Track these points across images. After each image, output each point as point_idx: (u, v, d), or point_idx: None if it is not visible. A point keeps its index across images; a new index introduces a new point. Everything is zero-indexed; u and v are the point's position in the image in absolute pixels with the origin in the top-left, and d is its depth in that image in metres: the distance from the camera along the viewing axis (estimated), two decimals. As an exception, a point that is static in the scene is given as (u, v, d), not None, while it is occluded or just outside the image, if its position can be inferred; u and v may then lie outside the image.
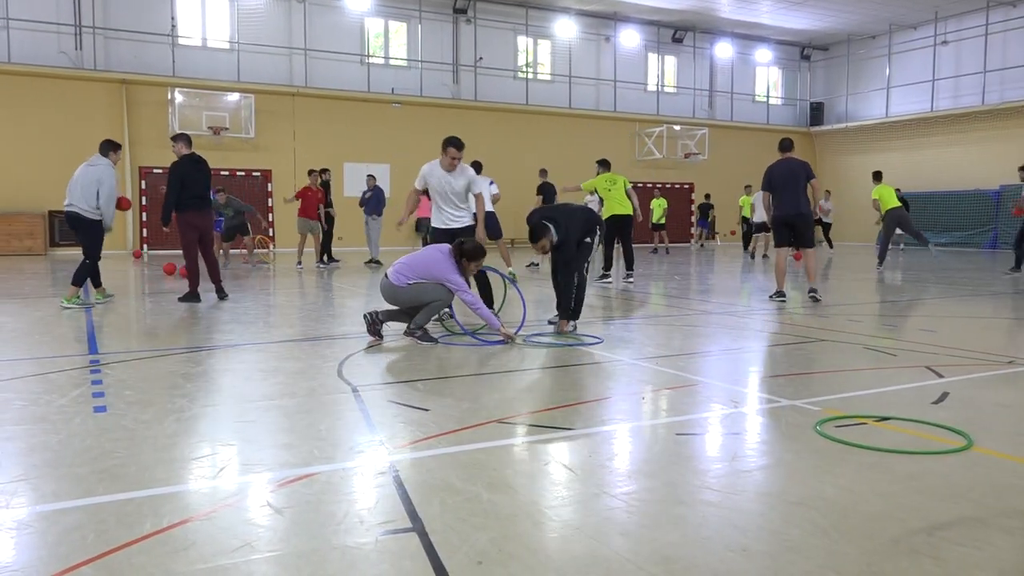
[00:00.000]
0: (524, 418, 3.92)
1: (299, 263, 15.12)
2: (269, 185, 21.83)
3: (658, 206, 22.04)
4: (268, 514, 2.64)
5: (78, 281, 8.38)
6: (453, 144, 6.97)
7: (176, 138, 8.88)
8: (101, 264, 8.71)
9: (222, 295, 9.03)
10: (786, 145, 9.24)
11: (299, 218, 14.88)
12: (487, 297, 7.23)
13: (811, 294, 8.99)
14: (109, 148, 8.63)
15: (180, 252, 9.06)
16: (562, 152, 23.97)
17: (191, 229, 8.77)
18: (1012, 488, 2.90)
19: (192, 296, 8.70)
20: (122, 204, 8.74)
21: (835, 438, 3.47)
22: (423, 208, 16.16)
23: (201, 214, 8.81)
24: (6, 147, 19.18)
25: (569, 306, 6.67)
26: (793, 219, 8.95)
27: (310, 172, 15.52)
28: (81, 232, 8.50)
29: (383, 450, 3.34)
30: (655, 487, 2.90)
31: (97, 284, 8.83)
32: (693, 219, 27.65)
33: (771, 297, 9.16)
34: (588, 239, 6.69)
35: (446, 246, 6.39)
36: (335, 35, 22.80)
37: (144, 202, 20.44)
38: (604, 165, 12.16)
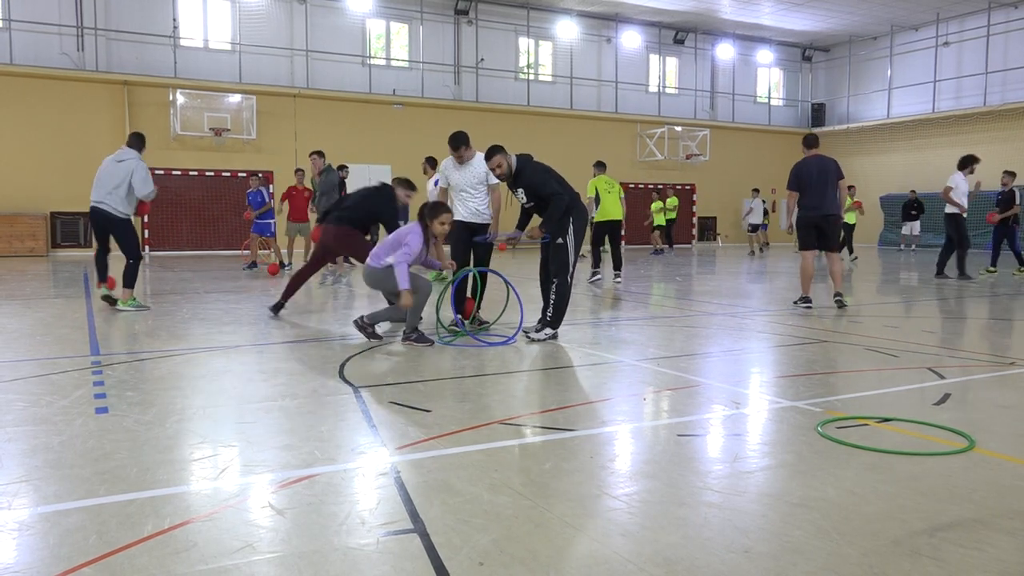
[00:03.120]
0: (525, 419, 3.92)
1: (288, 264, 14.44)
2: (271, 187, 21.83)
3: (659, 208, 22.01)
4: (269, 515, 2.64)
5: (130, 283, 8.20)
6: (452, 146, 6.94)
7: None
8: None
9: (277, 309, 7.91)
10: (812, 141, 8.79)
11: (288, 222, 14.13)
12: (479, 296, 7.10)
13: (837, 298, 8.60)
14: (141, 143, 8.13)
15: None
16: (563, 153, 23.91)
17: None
18: (1014, 489, 2.89)
19: (276, 307, 7.88)
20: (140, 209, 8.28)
21: (837, 439, 3.47)
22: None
23: (319, 228, 8.22)
24: (8, 148, 19.20)
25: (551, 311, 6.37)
26: (824, 220, 8.54)
27: (296, 171, 14.80)
28: (113, 232, 8.14)
29: (384, 451, 3.34)
30: (656, 488, 2.90)
31: (129, 285, 8.26)
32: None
33: (796, 303, 8.72)
34: (560, 239, 6.28)
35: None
36: (336, 36, 22.82)
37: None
38: (601, 167, 12.73)
